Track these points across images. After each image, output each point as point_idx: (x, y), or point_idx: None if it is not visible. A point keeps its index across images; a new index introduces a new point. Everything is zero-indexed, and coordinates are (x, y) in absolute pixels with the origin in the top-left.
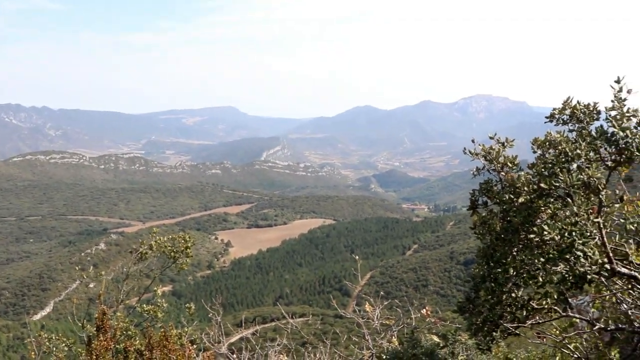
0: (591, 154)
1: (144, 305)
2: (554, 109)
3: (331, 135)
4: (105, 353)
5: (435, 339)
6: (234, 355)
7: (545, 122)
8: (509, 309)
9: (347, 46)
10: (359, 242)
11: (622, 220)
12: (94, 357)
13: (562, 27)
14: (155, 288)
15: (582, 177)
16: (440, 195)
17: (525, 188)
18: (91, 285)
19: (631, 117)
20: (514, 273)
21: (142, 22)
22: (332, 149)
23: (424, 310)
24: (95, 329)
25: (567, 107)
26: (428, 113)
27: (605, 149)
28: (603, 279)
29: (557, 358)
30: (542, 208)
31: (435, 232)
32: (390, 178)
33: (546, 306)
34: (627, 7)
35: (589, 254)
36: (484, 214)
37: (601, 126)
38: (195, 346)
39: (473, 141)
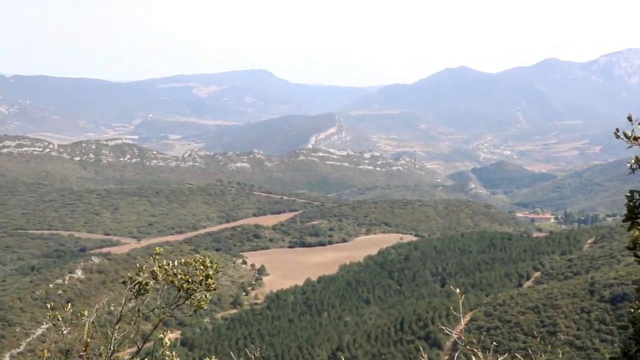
0: None
1: None
2: None
3: (410, 111)
4: None
5: None
6: None
7: None
8: None
9: None
10: (454, 269)
11: None
12: None
13: None
14: (162, 334)
15: None
16: (572, 199)
17: None
18: (65, 332)
19: None
20: None
21: None
22: (412, 132)
23: None
24: None
25: None
26: (553, 78)
27: None
28: None
29: None
30: None
31: (566, 254)
32: (497, 174)
33: None
34: None
35: None
36: None
37: None
38: None
39: (630, 119)
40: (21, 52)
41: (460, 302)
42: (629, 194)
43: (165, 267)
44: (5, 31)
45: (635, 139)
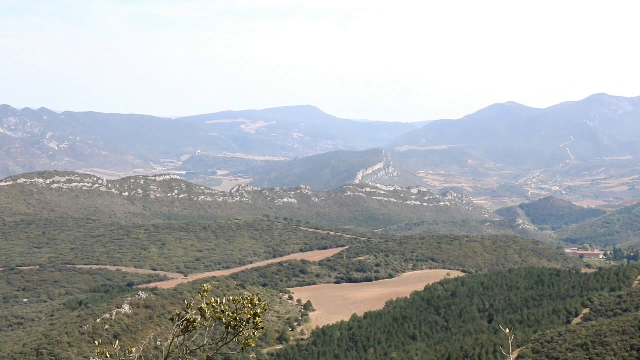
0: None
1: None
2: None
3: (457, 146)
4: None
5: None
6: None
7: None
8: None
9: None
10: (501, 305)
11: None
12: None
13: None
14: None
15: None
16: (622, 235)
17: None
18: None
19: None
20: None
21: None
22: (459, 167)
23: None
24: None
25: None
26: (602, 112)
27: None
28: None
29: None
30: None
31: (615, 291)
32: (545, 210)
33: None
34: None
35: None
36: None
37: None
38: None
39: None
40: (71, 88)
41: (510, 342)
42: None
43: (214, 304)
44: (55, 68)
45: None
